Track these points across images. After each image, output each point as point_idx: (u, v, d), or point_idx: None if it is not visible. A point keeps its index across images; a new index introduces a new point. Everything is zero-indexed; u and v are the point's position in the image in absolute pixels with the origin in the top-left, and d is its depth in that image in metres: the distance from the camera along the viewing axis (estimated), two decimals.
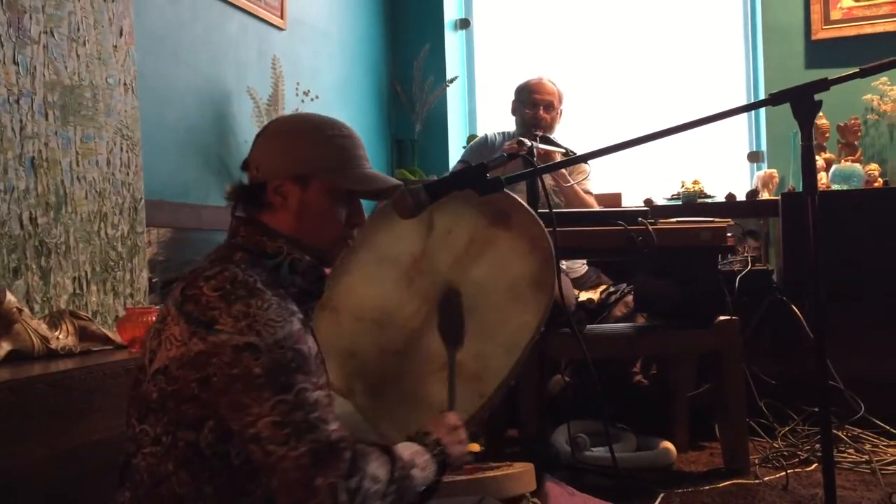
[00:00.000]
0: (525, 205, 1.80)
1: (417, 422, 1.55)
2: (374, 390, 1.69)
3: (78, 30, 2.25)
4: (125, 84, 2.43)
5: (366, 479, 1.18)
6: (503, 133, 3.59)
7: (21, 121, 2.05)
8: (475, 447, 2.74)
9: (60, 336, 1.95)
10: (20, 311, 1.89)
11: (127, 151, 2.42)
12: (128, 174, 2.42)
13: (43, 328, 1.92)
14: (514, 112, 3.57)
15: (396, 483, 1.24)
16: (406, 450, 1.32)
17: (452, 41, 4.86)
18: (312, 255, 1.38)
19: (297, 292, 1.36)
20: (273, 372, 1.16)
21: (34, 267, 2.07)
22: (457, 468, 1.46)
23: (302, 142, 1.39)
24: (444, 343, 1.69)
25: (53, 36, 2.16)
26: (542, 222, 1.75)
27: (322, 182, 1.36)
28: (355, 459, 1.18)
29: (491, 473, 2.04)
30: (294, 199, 1.36)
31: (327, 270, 1.46)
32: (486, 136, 3.68)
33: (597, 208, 3.37)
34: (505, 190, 1.81)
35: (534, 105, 3.44)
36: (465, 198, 1.79)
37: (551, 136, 3.21)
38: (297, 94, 3.47)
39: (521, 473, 2.05)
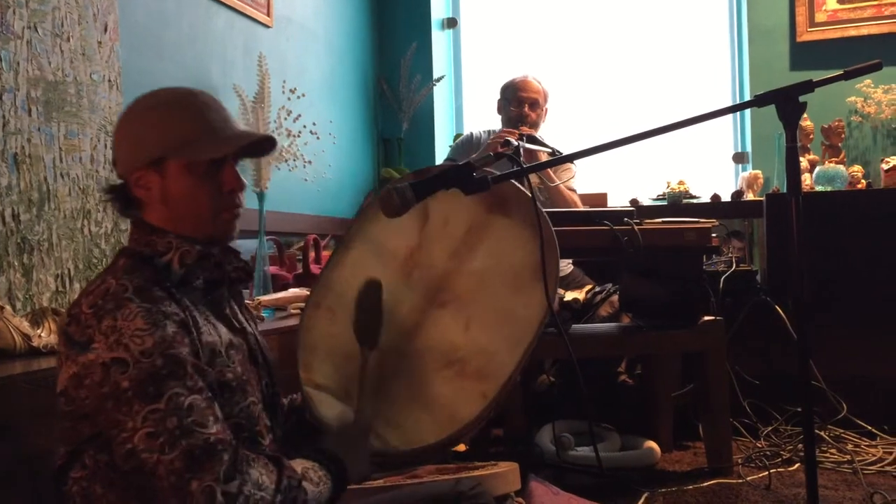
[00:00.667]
0: (524, 189, 1.75)
1: (417, 425, 1.51)
2: (374, 394, 1.65)
3: (62, 25, 2.23)
4: (109, 80, 2.42)
5: (247, 484, 1.14)
6: (489, 132, 3.60)
7: (4, 116, 2.03)
8: (460, 447, 2.75)
9: (43, 334, 1.94)
10: (2, 308, 1.88)
11: (111, 148, 2.40)
12: (112, 171, 2.40)
13: (25, 326, 1.90)
14: (499, 111, 3.58)
15: (284, 493, 1.19)
16: (298, 464, 1.27)
17: (439, 40, 4.86)
18: (204, 242, 1.33)
19: (204, 283, 1.33)
20: (141, 383, 1.13)
21: (16, 264, 2.05)
22: (362, 480, 1.41)
23: (146, 125, 1.31)
24: (357, 341, 1.61)
25: (37, 31, 2.15)
26: (542, 208, 1.70)
27: (177, 161, 1.30)
28: (236, 463, 1.14)
29: (475, 473, 2.04)
30: (156, 189, 1.31)
31: (317, 270, 1.43)
32: (471, 134, 3.68)
33: (581, 207, 3.38)
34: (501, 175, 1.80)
35: (519, 103, 3.46)
36: (452, 194, 1.77)
37: (537, 136, 3.21)
38: (283, 92, 3.46)
39: (505, 473, 2.05)
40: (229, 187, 1.34)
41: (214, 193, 1.33)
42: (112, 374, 1.14)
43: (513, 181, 1.74)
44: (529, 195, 1.71)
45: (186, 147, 1.30)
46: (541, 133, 3.40)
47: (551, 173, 3.29)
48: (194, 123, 1.32)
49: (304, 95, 3.58)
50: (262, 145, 1.43)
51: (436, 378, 1.60)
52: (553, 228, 1.67)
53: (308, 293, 2.77)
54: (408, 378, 1.63)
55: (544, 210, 1.74)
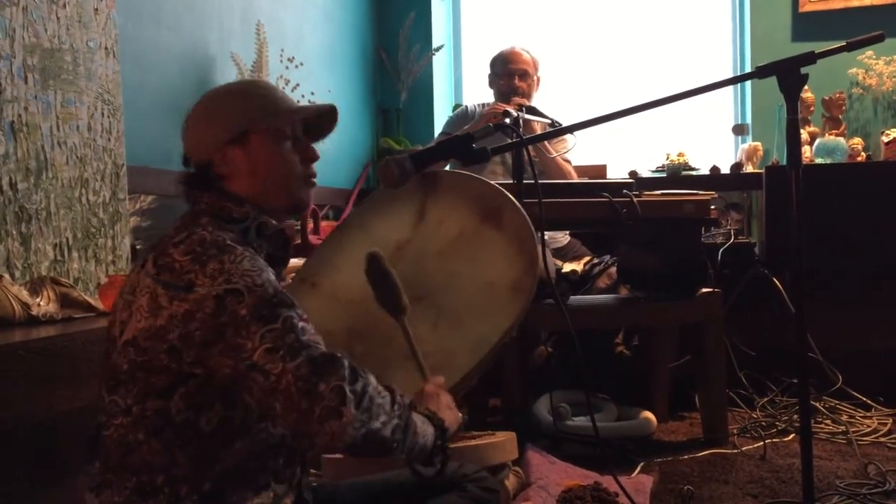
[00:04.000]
0: (518, 205, 1.77)
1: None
2: None
3: None
4: (106, 48, 2.40)
5: (370, 386, 1.19)
6: (483, 104, 3.58)
7: (0, 84, 2.02)
8: None
9: (42, 303, 1.94)
10: (0, 277, 1.88)
11: (108, 117, 2.39)
12: (109, 140, 2.39)
13: (24, 295, 1.90)
14: (490, 84, 3.56)
15: (400, 408, 1.24)
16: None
17: (439, 9, 4.82)
18: (280, 213, 1.41)
19: (266, 257, 1.36)
20: (257, 308, 1.17)
21: (14, 233, 2.05)
22: (455, 432, 1.44)
23: (223, 107, 1.40)
24: (390, 315, 1.64)
25: None
26: (531, 225, 1.72)
27: (259, 133, 1.38)
28: (356, 370, 1.19)
29: (473, 442, 2.06)
30: (242, 161, 1.37)
31: (316, 241, 1.46)
32: (465, 107, 3.68)
33: (575, 178, 3.37)
34: (500, 187, 1.82)
35: (509, 75, 3.44)
36: (460, 192, 1.79)
37: (535, 107, 3.20)
38: (281, 61, 3.44)
39: (503, 442, 2.07)
40: (309, 154, 1.44)
41: (298, 161, 1.42)
42: (228, 304, 1.17)
43: (510, 195, 1.76)
44: (523, 211, 1.74)
45: (269, 117, 1.39)
46: (540, 103, 3.38)
47: (548, 145, 3.27)
48: (268, 99, 1.41)
49: (302, 64, 3.56)
50: (323, 127, 1.52)
51: (396, 366, 1.63)
52: (543, 198, 1.69)
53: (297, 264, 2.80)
54: (371, 362, 1.66)
55: (544, 182, 1.75)
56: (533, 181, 1.95)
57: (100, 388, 1.28)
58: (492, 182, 1.85)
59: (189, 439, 1.21)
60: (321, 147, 1.52)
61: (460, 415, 1.47)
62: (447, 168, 2.63)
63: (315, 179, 1.46)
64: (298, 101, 3.30)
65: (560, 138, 3.32)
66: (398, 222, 1.84)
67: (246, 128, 1.37)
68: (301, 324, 1.20)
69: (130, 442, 1.21)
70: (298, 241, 3.19)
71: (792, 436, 2.78)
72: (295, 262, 2.95)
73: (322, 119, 1.50)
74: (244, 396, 1.19)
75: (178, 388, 1.20)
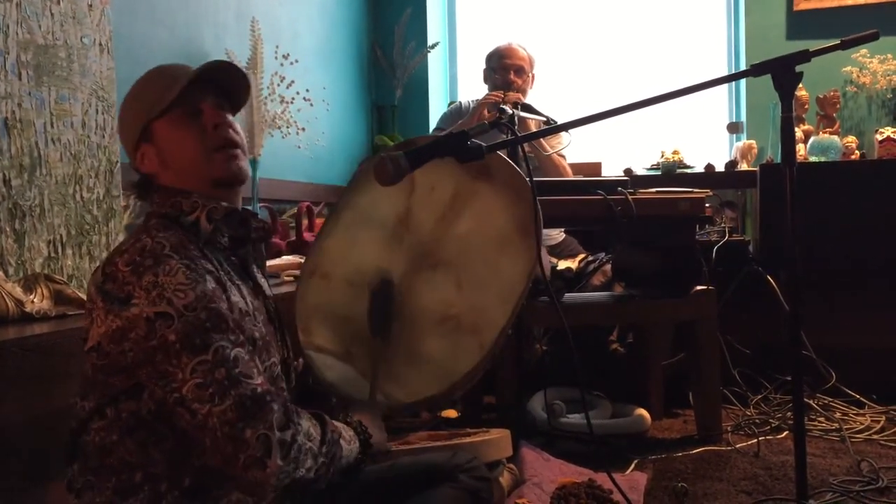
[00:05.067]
0: (506, 158, 1.80)
1: (419, 378, 1.59)
2: (373, 353, 1.70)
3: None
4: (100, 44, 2.39)
5: (300, 433, 1.18)
6: (478, 101, 3.58)
7: None
8: (452, 413, 2.77)
9: (35, 300, 1.93)
10: None
11: (102, 113, 2.38)
12: (103, 136, 2.38)
13: (17, 291, 1.90)
14: (485, 80, 3.56)
15: (328, 445, 1.24)
16: (337, 423, 1.34)
17: (434, 6, 4.81)
18: (217, 193, 1.37)
19: (229, 241, 1.37)
20: (188, 336, 1.16)
21: (8, 230, 2.04)
22: (382, 452, 1.50)
23: (126, 108, 1.42)
24: (370, 331, 1.70)
25: None
26: (522, 173, 1.75)
27: (158, 122, 1.36)
28: (288, 413, 1.18)
29: (467, 439, 2.06)
30: (153, 156, 1.37)
31: (311, 238, 1.45)
32: (460, 103, 3.67)
33: (570, 175, 3.37)
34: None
35: (504, 69, 3.44)
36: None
37: (530, 105, 3.20)
38: (276, 58, 3.43)
39: (497, 439, 2.07)
40: (212, 122, 1.37)
41: (200, 135, 1.36)
42: (158, 328, 1.16)
43: (506, 158, 1.79)
44: (511, 163, 1.77)
45: (160, 102, 1.36)
46: (534, 100, 3.38)
47: (544, 142, 3.28)
48: (159, 83, 1.39)
49: (297, 61, 3.55)
50: (237, 85, 1.46)
51: (432, 334, 1.67)
52: (538, 196, 1.72)
53: (301, 261, 2.79)
54: (406, 336, 1.68)
55: (539, 179, 1.76)
56: (528, 178, 1.95)
57: (76, 395, 1.30)
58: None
59: (164, 436, 1.21)
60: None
61: (386, 440, 1.54)
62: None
63: (236, 150, 1.39)
64: (292, 99, 3.32)
65: (555, 135, 3.32)
66: (390, 196, 1.84)
67: (145, 122, 1.36)
68: (235, 351, 1.18)
69: (107, 444, 1.22)
70: (293, 237, 3.19)
71: (785, 433, 2.79)
72: (290, 259, 2.96)
73: (221, 77, 1.44)
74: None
75: (145, 388, 1.21)
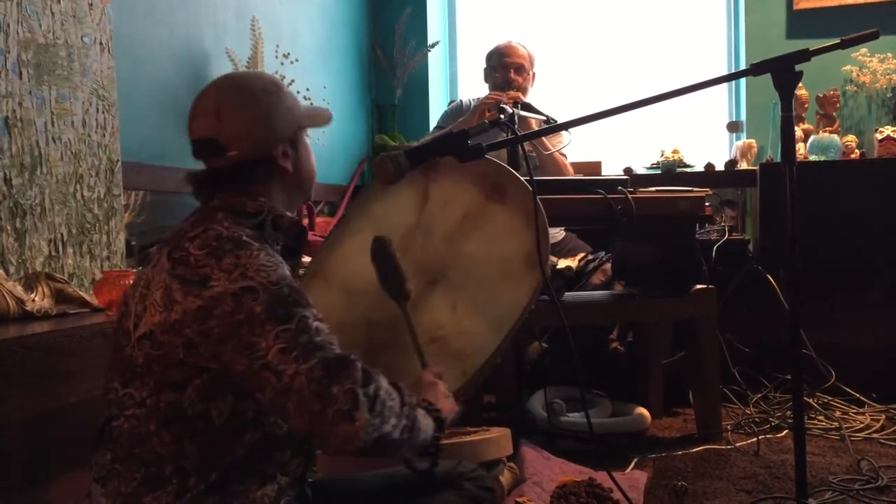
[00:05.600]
0: (522, 179, 1.77)
1: None
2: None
3: None
4: (101, 43, 2.39)
5: (382, 390, 1.19)
6: (478, 99, 3.58)
7: None
8: None
9: (36, 298, 1.94)
10: None
11: (103, 112, 2.39)
12: (104, 135, 2.39)
13: (18, 290, 1.90)
14: (486, 78, 3.56)
15: (408, 408, 1.25)
16: None
17: (434, 5, 4.81)
18: (295, 206, 1.49)
19: (281, 249, 1.38)
20: (272, 307, 1.18)
21: (9, 228, 2.05)
22: (453, 423, 1.45)
23: (280, 102, 1.43)
24: (393, 300, 1.66)
25: None
26: (537, 198, 1.73)
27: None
28: (368, 372, 1.19)
29: (468, 438, 2.07)
30: (293, 158, 1.45)
31: (311, 237, 1.47)
32: (461, 101, 3.66)
33: (571, 174, 3.37)
34: (503, 164, 1.81)
35: (504, 68, 3.43)
36: (462, 170, 1.77)
37: (530, 104, 3.20)
38: (276, 57, 3.43)
39: (497, 438, 2.08)
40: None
41: None
42: (244, 301, 1.18)
43: (513, 171, 1.77)
44: (530, 188, 1.73)
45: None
46: (534, 99, 3.38)
47: (545, 141, 3.28)
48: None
49: (297, 61, 3.55)
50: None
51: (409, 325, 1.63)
52: (539, 195, 1.69)
53: (302, 259, 2.79)
54: (393, 351, 1.66)
55: (540, 178, 1.75)
56: (528, 178, 1.95)
57: (109, 381, 1.29)
58: (492, 158, 1.83)
59: (200, 430, 1.22)
60: (317, 143, 1.55)
61: (456, 405, 1.48)
62: None
63: None
64: None
65: (555, 134, 3.32)
66: (402, 208, 1.84)
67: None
68: (315, 324, 1.21)
69: (141, 433, 1.22)
70: None
71: (785, 432, 2.79)
72: None
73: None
74: (259, 397, 1.19)
75: (192, 380, 1.21)
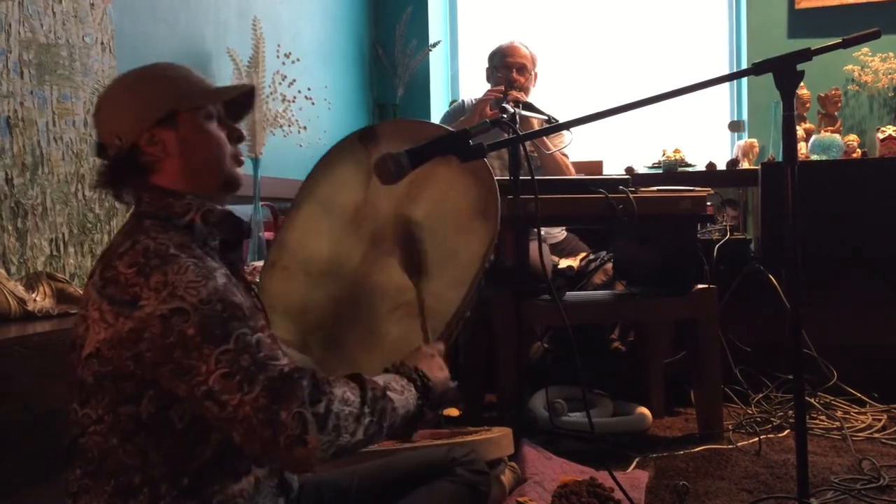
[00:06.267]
0: (454, 132, 1.78)
1: (377, 364, 1.49)
2: (330, 341, 1.69)
3: None
4: (102, 43, 2.39)
5: (334, 402, 1.15)
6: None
7: None
8: (454, 412, 2.77)
9: (38, 298, 1.94)
10: None
11: (97, 127, 2.38)
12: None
13: (20, 290, 1.90)
14: (488, 78, 3.56)
15: (371, 405, 1.20)
16: (379, 378, 1.29)
17: (435, 4, 4.81)
18: (216, 195, 1.37)
19: (219, 244, 1.34)
20: (206, 328, 1.14)
21: (10, 228, 2.05)
22: (442, 395, 1.41)
23: (148, 87, 1.35)
24: (409, 278, 1.69)
25: None
26: (533, 174, 1.76)
27: (188, 112, 1.33)
28: (317, 385, 1.15)
29: (469, 438, 2.07)
30: (172, 142, 1.32)
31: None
32: (462, 101, 3.66)
33: (573, 173, 3.37)
34: (436, 124, 1.81)
35: (506, 68, 3.43)
36: (401, 139, 1.78)
37: (532, 103, 3.20)
38: (277, 57, 3.43)
39: (498, 438, 2.08)
40: (236, 133, 1.40)
41: (223, 140, 1.38)
42: (174, 324, 1.14)
43: (449, 129, 1.78)
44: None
45: (197, 96, 1.34)
46: (536, 99, 3.38)
47: (546, 141, 3.28)
48: (191, 80, 1.38)
49: (298, 60, 3.55)
50: (243, 106, 1.48)
51: (388, 320, 1.66)
52: (540, 194, 1.70)
53: None
54: (363, 323, 1.69)
55: (540, 178, 1.75)
56: (529, 177, 1.96)
57: (69, 402, 1.27)
58: (426, 121, 1.86)
59: (163, 438, 1.20)
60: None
61: (451, 381, 1.45)
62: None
63: (242, 158, 1.43)
64: (294, 97, 3.32)
65: (556, 134, 3.32)
66: (349, 185, 1.84)
67: (174, 107, 1.32)
68: (256, 337, 1.17)
69: (106, 448, 1.21)
70: None
71: (787, 431, 2.79)
72: None
73: (242, 99, 1.46)
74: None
75: (146, 391, 1.19)
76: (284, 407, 1.10)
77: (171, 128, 1.32)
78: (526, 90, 3.41)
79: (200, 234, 1.30)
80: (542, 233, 3.17)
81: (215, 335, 1.14)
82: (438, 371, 1.41)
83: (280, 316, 1.76)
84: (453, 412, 2.85)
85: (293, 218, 1.93)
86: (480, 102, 3.27)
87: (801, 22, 4.14)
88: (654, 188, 2.72)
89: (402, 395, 1.28)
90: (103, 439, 1.21)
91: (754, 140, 4.09)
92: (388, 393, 1.25)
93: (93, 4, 2.35)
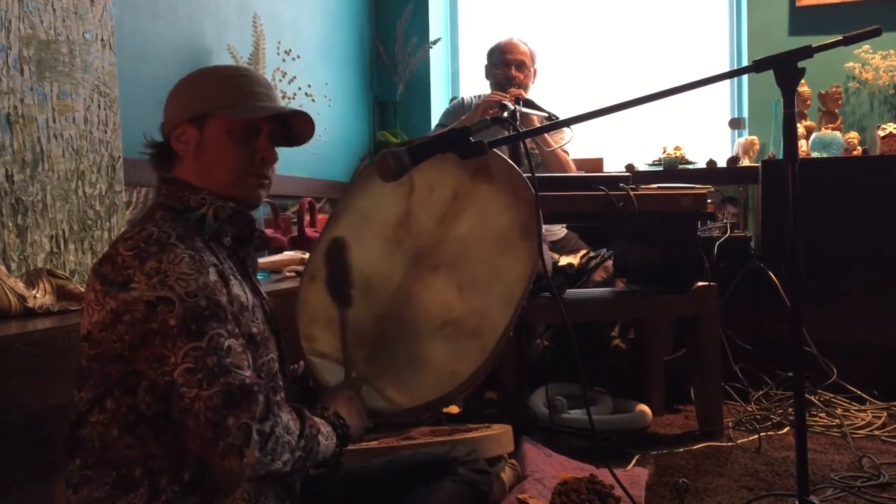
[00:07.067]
0: (504, 156, 1.79)
1: (421, 382, 1.58)
2: (375, 357, 1.69)
3: None
4: (102, 40, 2.39)
5: (279, 426, 1.19)
6: (480, 96, 3.58)
7: None
8: (454, 409, 2.78)
9: (38, 295, 1.94)
10: None
11: (105, 109, 2.39)
12: (105, 132, 2.39)
13: (20, 287, 1.90)
14: (487, 75, 3.56)
15: (306, 440, 1.25)
16: (316, 419, 1.34)
17: (436, 2, 4.80)
18: (233, 200, 1.39)
19: (231, 241, 1.39)
20: (186, 321, 1.18)
21: (10, 225, 2.05)
22: (357, 440, 1.49)
23: (195, 85, 1.41)
24: (331, 300, 1.71)
25: None
26: (521, 171, 1.75)
27: (218, 120, 1.37)
28: (269, 405, 1.19)
29: (469, 435, 2.07)
30: (193, 140, 1.38)
31: (312, 234, 1.45)
32: (462, 99, 3.66)
33: (574, 170, 3.37)
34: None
35: (505, 65, 3.43)
36: (442, 155, 1.79)
37: (532, 100, 3.20)
38: (278, 54, 3.43)
39: (499, 435, 2.08)
40: (261, 155, 1.40)
41: (246, 158, 1.39)
42: (159, 311, 1.17)
43: (504, 157, 1.78)
44: (509, 161, 1.76)
45: (227, 108, 1.37)
46: (536, 96, 3.38)
47: (547, 137, 3.27)
48: (239, 90, 1.39)
49: (299, 57, 3.55)
50: (300, 135, 1.49)
51: (434, 338, 1.66)
52: (538, 192, 1.71)
53: (303, 256, 2.79)
54: (408, 340, 1.68)
55: (541, 175, 1.75)
56: (530, 174, 1.95)
57: (72, 389, 1.30)
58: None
59: (163, 430, 1.22)
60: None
61: (365, 423, 1.52)
62: None
63: (267, 181, 1.43)
64: (294, 94, 3.32)
65: (559, 131, 3.32)
66: (389, 198, 1.84)
67: (205, 111, 1.37)
68: (228, 342, 1.20)
69: (107, 439, 1.23)
70: (295, 233, 3.19)
71: (787, 429, 2.79)
72: (291, 254, 2.96)
73: (297, 124, 1.48)
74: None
75: (141, 381, 1.21)
76: (233, 413, 1.14)
77: (198, 128, 1.37)
78: (525, 87, 3.41)
79: (211, 228, 1.35)
80: (543, 230, 3.18)
81: (191, 330, 1.17)
82: (357, 416, 1.48)
83: (322, 329, 1.76)
84: (453, 409, 2.86)
85: (332, 229, 1.93)
86: (484, 103, 3.26)
87: (801, 19, 4.13)
88: (655, 185, 2.72)
89: (327, 442, 1.33)
90: (104, 430, 1.23)
91: (755, 137, 4.08)
92: (318, 436, 1.30)
93: (93, 1, 2.34)
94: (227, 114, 1.36)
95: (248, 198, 1.41)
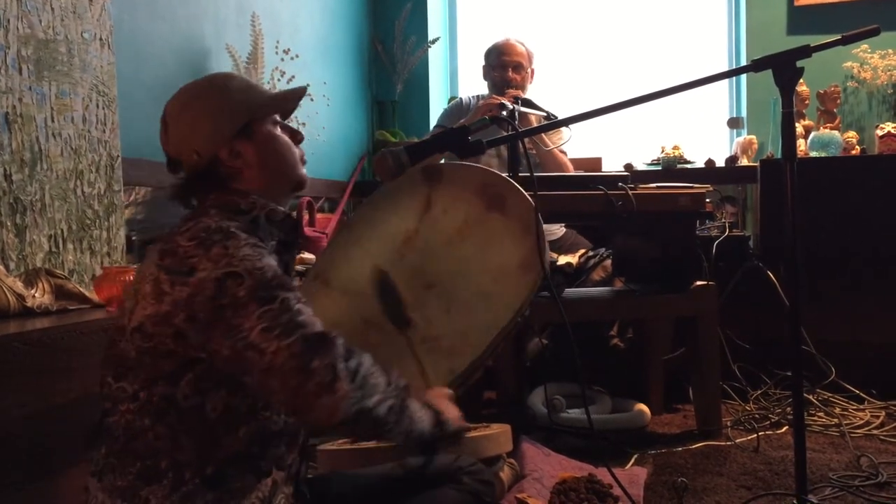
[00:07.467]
0: (521, 189, 1.79)
1: None
2: None
3: None
4: (101, 39, 2.39)
5: (364, 366, 1.21)
6: (478, 96, 3.58)
7: None
8: None
9: (37, 294, 1.94)
10: None
11: (103, 108, 2.38)
12: (104, 131, 2.39)
13: (19, 286, 1.90)
14: (485, 76, 3.56)
15: (396, 389, 1.26)
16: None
17: (435, 1, 4.80)
18: (282, 203, 1.43)
19: (276, 244, 1.39)
20: (255, 290, 1.19)
21: (9, 224, 2.05)
22: (453, 432, 1.43)
23: (219, 100, 1.40)
24: (396, 329, 1.72)
25: None
26: (536, 207, 1.75)
27: (261, 122, 1.41)
28: (350, 349, 1.21)
29: (468, 434, 2.07)
30: (250, 153, 1.39)
31: (311, 233, 1.47)
32: (460, 99, 3.66)
33: (571, 170, 3.37)
34: (505, 176, 1.83)
35: (502, 67, 3.43)
36: (465, 181, 1.82)
37: (531, 99, 3.19)
38: (276, 53, 3.43)
39: (497, 434, 2.08)
40: (298, 137, 1.48)
41: (291, 144, 1.46)
42: (228, 286, 1.19)
43: (514, 183, 1.78)
44: (531, 200, 1.75)
45: (266, 107, 1.42)
46: (534, 95, 3.38)
47: (545, 137, 3.27)
48: (253, 89, 1.45)
49: (297, 56, 3.55)
50: (289, 109, 1.55)
51: (409, 353, 1.67)
52: (540, 191, 1.71)
53: (302, 256, 2.80)
54: (390, 351, 1.68)
55: (540, 175, 1.75)
56: (528, 174, 1.96)
57: (104, 377, 1.29)
58: (494, 170, 1.87)
59: (194, 424, 1.22)
60: (317, 140, 1.54)
61: (462, 419, 1.47)
62: (443, 160, 2.63)
63: (306, 159, 1.50)
64: None
65: (555, 130, 3.32)
66: (404, 215, 1.86)
67: (249, 118, 1.39)
68: (298, 305, 1.22)
69: (136, 427, 1.23)
70: None
71: (785, 428, 2.79)
72: None
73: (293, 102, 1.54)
74: (247, 381, 1.20)
75: (186, 373, 1.22)
76: (318, 356, 1.16)
77: (248, 139, 1.39)
78: (522, 88, 3.41)
79: (263, 229, 1.36)
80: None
81: (262, 297, 1.19)
82: (451, 408, 1.45)
83: None
84: None
85: (344, 236, 1.96)
86: (481, 108, 3.25)
87: (800, 19, 4.14)
88: (653, 185, 2.72)
89: (420, 413, 1.32)
90: (134, 418, 1.23)
91: (753, 137, 4.08)
92: (409, 401, 1.30)
93: (91, 0, 2.34)
94: (269, 112, 1.42)
95: (305, 178, 1.48)
